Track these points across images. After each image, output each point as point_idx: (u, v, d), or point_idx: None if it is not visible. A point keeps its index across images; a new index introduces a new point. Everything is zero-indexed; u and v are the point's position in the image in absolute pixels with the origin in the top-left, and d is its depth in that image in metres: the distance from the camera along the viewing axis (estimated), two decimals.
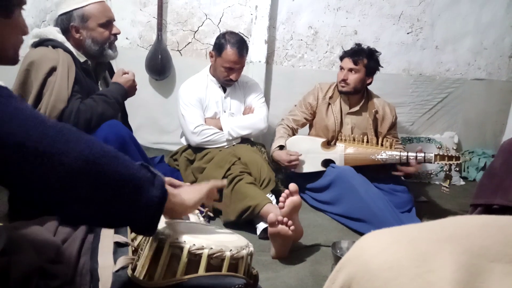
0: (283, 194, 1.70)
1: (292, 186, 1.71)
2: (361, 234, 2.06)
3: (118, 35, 1.88)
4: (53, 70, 1.66)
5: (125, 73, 1.89)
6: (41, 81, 1.65)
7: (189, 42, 2.93)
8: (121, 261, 0.94)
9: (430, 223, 0.62)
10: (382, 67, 2.49)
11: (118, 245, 0.99)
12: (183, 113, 2.32)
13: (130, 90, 1.90)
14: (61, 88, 1.65)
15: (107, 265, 0.91)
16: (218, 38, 2.33)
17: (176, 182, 1.00)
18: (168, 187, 0.84)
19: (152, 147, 2.93)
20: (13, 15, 0.85)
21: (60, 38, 1.77)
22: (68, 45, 1.77)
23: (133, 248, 1.00)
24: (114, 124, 1.73)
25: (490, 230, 0.58)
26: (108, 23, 1.82)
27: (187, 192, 0.94)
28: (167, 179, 0.92)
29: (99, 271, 0.89)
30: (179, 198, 0.89)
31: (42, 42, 1.73)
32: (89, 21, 1.77)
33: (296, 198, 1.70)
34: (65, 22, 1.78)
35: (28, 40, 1.80)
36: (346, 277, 0.57)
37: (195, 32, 2.92)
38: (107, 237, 0.98)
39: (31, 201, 0.71)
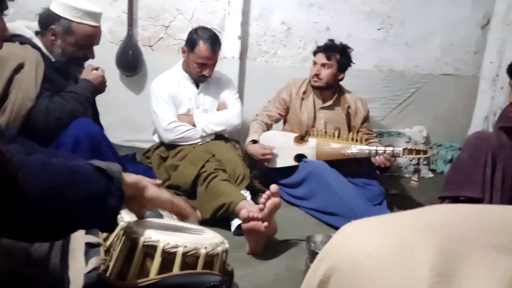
0: (264, 196, 1.67)
1: (274, 187, 1.67)
2: (335, 227, 2.09)
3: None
4: (20, 67, 1.59)
5: (94, 69, 1.84)
6: (7, 78, 1.58)
7: (161, 38, 2.89)
8: (93, 262, 0.92)
9: (408, 212, 0.63)
10: (354, 63, 2.53)
11: (89, 246, 0.97)
12: (155, 110, 2.29)
13: (100, 86, 1.86)
14: (29, 86, 1.59)
15: (78, 266, 0.89)
16: (190, 33, 2.31)
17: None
18: (126, 175, 0.85)
19: (124, 145, 2.87)
20: None
21: (28, 33, 1.70)
22: (37, 41, 1.71)
23: (105, 249, 0.98)
24: (85, 123, 1.68)
25: (467, 218, 0.60)
26: (87, 46, 1.76)
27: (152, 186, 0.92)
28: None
29: (70, 273, 0.87)
30: (142, 184, 0.88)
31: (9, 38, 1.66)
32: (71, 37, 1.71)
33: (276, 199, 1.67)
34: (49, 20, 1.70)
35: None
36: (328, 266, 0.58)
37: (167, 27, 2.87)
38: (78, 238, 0.96)
39: None
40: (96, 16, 1.75)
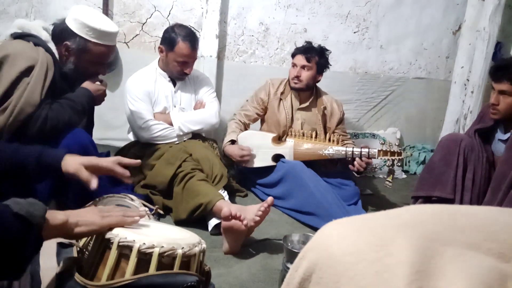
0: (262, 208, 1.73)
1: (271, 200, 1.77)
2: (311, 227, 2.12)
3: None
4: (30, 69, 1.52)
5: (98, 81, 1.80)
6: (14, 78, 1.50)
7: (137, 34, 2.84)
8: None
9: (387, 212, 0.65)
10: (331, 65, 2.56)
11: (61, 246, 0.95)
12: (130, 108, 2.24)
13: (99, 99, 1.82)
14: (34, 92, 1.52)
15: (49, 266, 0.87)
16: (167, 32, 2.25)
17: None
18: (53, 215, 0.80)
19: (98, 144, 2.79)
20: None
21: (44, 36, 1.64)
22: (52, 45, 1.65)
23: (78, 249, 0.95)
24: (78, 134, 1.64)
25: (441, 217, 0.63)
26: (100, 64, 1.73)
27: (87, 214, 0.89)
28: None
29: (41, 274, 0.85)
30: (74, 220, 0.85)
31: (23, 36, 1.59)
32: (86, 55, 1.67)
33: (268, 209, 1.78)
34: (64, 35, 1.65)
35: (8, 29, 1.64)
36: (309, 264, 0.59)
37: (143, 24, 2.83)
38: None
39: None
40: (113, 35, 1.71)
